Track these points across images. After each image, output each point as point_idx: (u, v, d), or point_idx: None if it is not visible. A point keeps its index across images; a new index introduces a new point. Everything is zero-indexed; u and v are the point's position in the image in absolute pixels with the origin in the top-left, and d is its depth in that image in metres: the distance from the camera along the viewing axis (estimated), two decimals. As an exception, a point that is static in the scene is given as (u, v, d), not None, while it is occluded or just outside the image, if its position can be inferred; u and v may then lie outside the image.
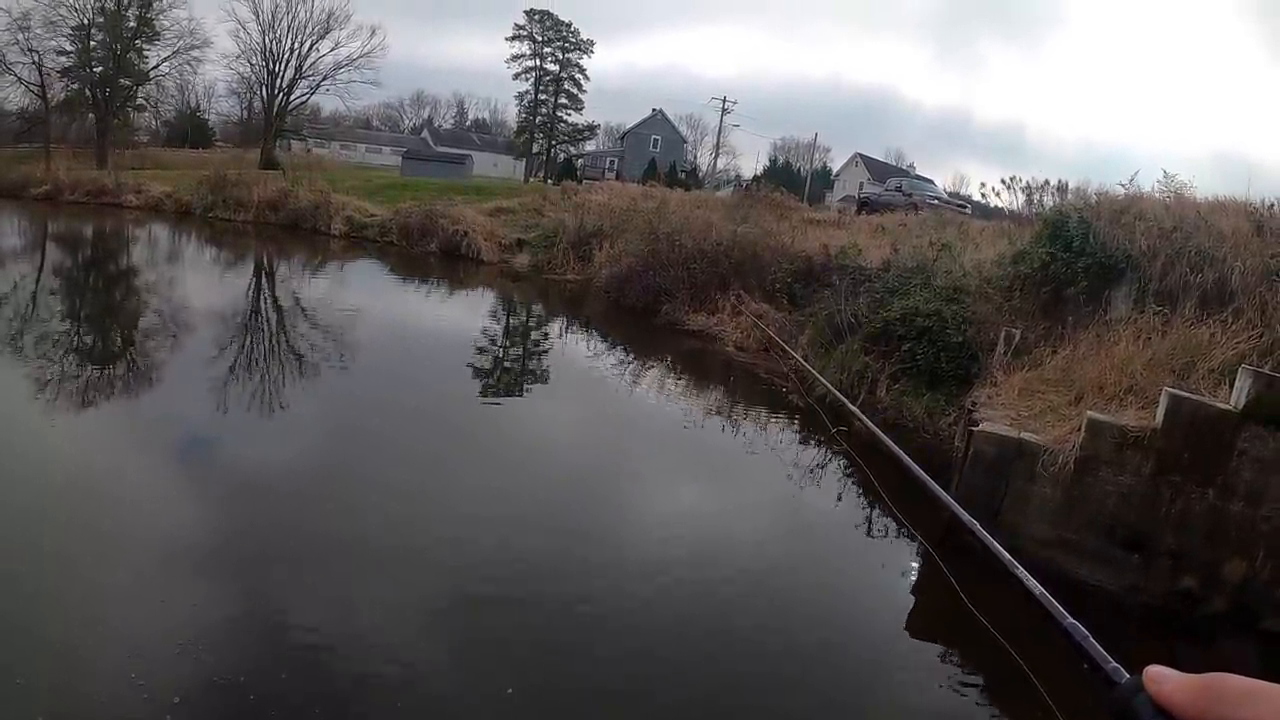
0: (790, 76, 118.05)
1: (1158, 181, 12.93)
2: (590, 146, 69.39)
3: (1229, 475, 6.76)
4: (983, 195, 20.27)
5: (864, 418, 3.01)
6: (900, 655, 6.16)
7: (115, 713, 4.22)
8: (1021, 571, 0.91)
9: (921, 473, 1.69)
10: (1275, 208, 10.97)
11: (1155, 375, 7.97)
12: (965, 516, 1.24)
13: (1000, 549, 1.01)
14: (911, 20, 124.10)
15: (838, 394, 4.83)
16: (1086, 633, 0.75)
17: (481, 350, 15.62)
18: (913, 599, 7.08)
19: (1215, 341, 8.27)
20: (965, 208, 26.64)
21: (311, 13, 47.77)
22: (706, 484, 9.51)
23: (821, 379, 7.68)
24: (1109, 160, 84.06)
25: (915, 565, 7.59)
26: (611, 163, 64.48)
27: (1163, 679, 0.58)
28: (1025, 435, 7.60)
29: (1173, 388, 7.23)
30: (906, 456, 1.84)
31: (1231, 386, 7.05)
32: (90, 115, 44.21)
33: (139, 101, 48.48)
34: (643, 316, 18.75)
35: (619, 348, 16.82)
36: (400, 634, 5.38)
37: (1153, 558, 6.98)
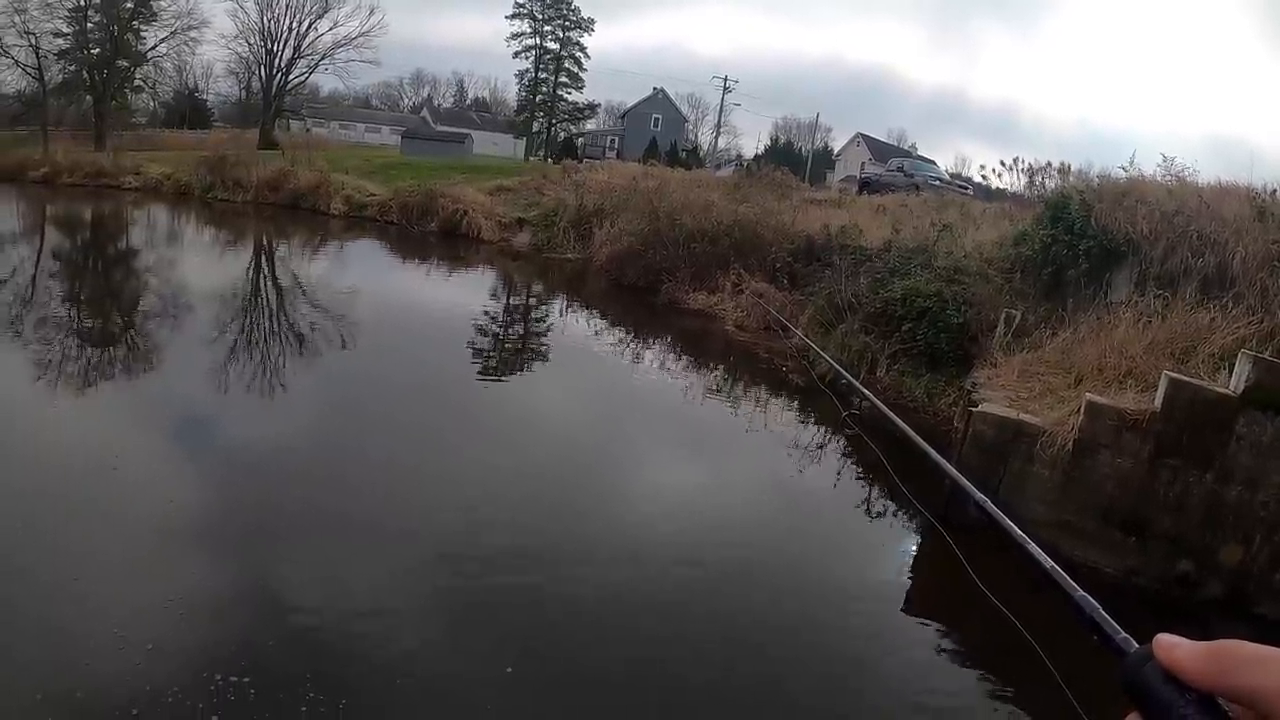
0: (790, 56, 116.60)
1: (1157, 165, 12.90)
2: (591, 125, 68.93)
3: (1227, 460, 6.78)
4: (984, 177, 20.20)
5: (870, 394, 3.03)
6: (903, 628, 6.22)
7: (109, 685, 4.25)
8: (1032, 546, 0.93)
9: (929, 448, 1.71)
10: (1278, 193, 10.93)
11: (1155, 359, 7.98)
12: (977, 494, 1.26)
13: (1010, 523, 1.03)
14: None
15: (843, 371, 4.84)
16: (1096, 604, 0.77)
17: (482, 329, 15.59)
18: (917, 573, 7.14)
19: (1215, 326, 8.27)
20: (967, 189, 26.54)
21: (309, -9, 47.24)
22: (709, 461, 9.54)
23: (825, 355, 7.69)
24: (1107, 142, 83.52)
25: (920, 541, 7.65)
26: (612, 142, 64.05)
27: (1172, 646, 0.59)
28: (1024, 417, 7.63)
29: (1172, 371, 7.24)
30: (913, 432, 1.86)
31: (1231, 371, 7.07)
32: (87, 97, 43.68)
33: (136, 83, 48.10)
34: (643, 295, 18.72)
35: (619, 326, 16.80)
36: (398, 611, 5.41)
37: (1150, 541, 7.02)
